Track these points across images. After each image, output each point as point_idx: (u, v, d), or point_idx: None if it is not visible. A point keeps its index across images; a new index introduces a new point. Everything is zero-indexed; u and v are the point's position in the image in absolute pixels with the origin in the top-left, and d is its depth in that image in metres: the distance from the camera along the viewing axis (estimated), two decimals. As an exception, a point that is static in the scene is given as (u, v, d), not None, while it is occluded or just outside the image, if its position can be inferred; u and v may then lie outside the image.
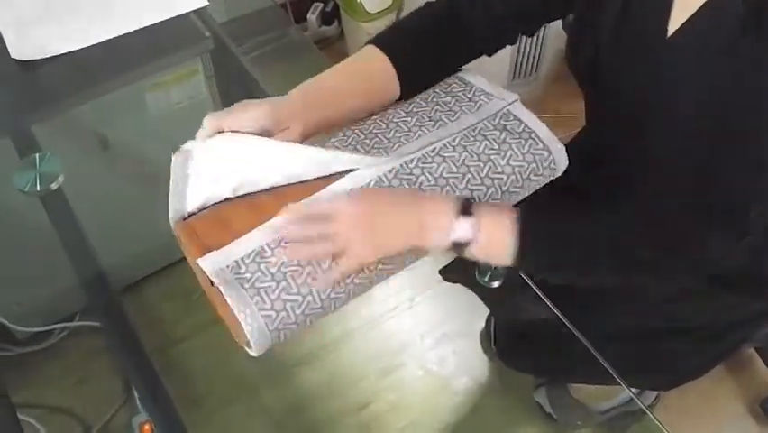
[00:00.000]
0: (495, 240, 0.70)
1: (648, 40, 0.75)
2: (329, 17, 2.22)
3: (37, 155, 0.90)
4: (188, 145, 0.77)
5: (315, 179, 0.74)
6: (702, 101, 0.71)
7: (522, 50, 1.91)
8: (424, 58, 0.83)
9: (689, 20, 0.71)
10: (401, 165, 0.75)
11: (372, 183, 0.74)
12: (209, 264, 0.68)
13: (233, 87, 1.37)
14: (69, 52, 1.08)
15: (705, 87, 0.71)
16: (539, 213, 0.71)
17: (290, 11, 2.08)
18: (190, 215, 0.74)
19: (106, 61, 1.09)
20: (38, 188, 0.89)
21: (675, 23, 0.72)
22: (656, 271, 0.75)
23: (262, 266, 0.68)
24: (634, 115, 0.81)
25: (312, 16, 2.17)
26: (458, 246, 0.70)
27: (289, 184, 0.75)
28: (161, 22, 1.14)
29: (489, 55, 0.88)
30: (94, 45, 1.09)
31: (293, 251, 0.70)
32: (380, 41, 0.81)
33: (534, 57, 1.95)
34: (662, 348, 1.03)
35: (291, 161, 0.74)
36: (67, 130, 1.11)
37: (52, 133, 1.08)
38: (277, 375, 1.35)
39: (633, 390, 1.21)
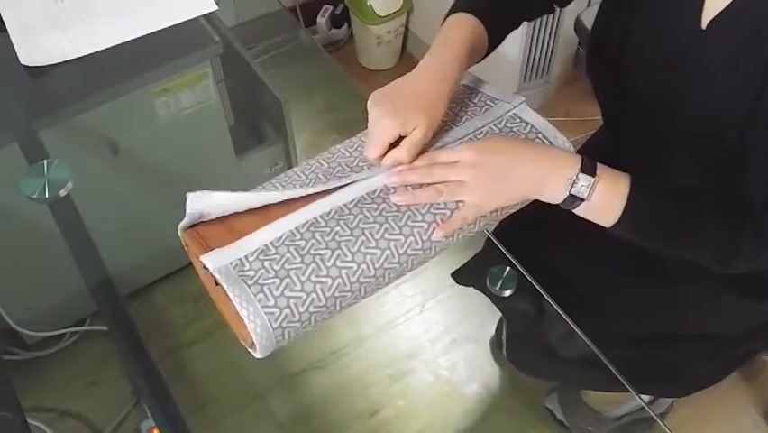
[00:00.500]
0: (607, 203, 0.70)
1: (681, 34, 0.75)
2: (339, 20, 2.21)
3: (45, 162, 0.90)
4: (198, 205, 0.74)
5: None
6: (733, 89, 0.71)
7: (533, 52, 1.90)
8: (504, 16, 0.85)
9: (724, 10, 0.70)
10: None
11: (379, 190, 0.73)
12: (212, 261, 0.68)
13: (242, 91, 1.36)
14: (78, 58, 1.08)
15: (737, 74, 0.70)
16: (649, 186, 0.71)
17: (300, 14, 2.08)
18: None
19: (115, 66, 1.09)
20: (46, 195, 0.88)
21: (708, 14, 0.72)
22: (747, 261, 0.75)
23: (266, 264, 0.68)
24: (658, 111, 0.80)
25: (321, 19, 2.17)
26: (569, 201, 0.71)
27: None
28: (170, 26, 1.14)
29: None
30: (103, 50, 1.09)
31: (410, 196, 0.71)
32: (466, 8, 0.81)
33: (545, 59, 1.94)
34: (675, 356, 1.02)
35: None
36: (76, 135, 1.11)
37: (61, 138, 1.08)
38: (285, 381, 1.34)
39: (644, 397, 1.20)
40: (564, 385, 1.28)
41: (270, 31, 1.74)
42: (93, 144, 1.14)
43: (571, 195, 0.70)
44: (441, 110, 0.75)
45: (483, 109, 0.81)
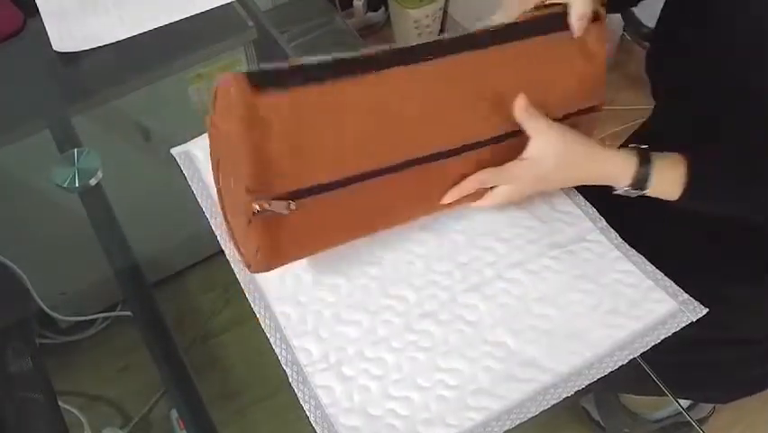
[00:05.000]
0: (667, 183, 0.73)
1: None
2: (376, 3, 2.18)
3: (76, 150, 0.89)
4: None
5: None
6: None
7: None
8: None
9: None
10: None
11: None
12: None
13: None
14: (111, 43, 1.07)
15: None
16: (704, 155, 0.73)
17: (336, -4, 2.05)
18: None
19: (148, 52, 1.08)
20: (76, 185, 0.88)
21: None
22: None
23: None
24: (730, 106, 0.77)
25: (358, 2, 2.13)
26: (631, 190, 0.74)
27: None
28: (204, 11, 1.12)
29: None
30: (135, 36, 1.08)
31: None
32: None
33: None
34: (719, 361, 0.98)
35: None
36: (108, 122, 1.11)
37: (93, 125, 1.08)
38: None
39: (684, 402, 1.16)
40: (602, 389, 1.25)
41: (305, 14, 1.72)
42: (125, 131, 1.13)
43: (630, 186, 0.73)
44: None
45: None
